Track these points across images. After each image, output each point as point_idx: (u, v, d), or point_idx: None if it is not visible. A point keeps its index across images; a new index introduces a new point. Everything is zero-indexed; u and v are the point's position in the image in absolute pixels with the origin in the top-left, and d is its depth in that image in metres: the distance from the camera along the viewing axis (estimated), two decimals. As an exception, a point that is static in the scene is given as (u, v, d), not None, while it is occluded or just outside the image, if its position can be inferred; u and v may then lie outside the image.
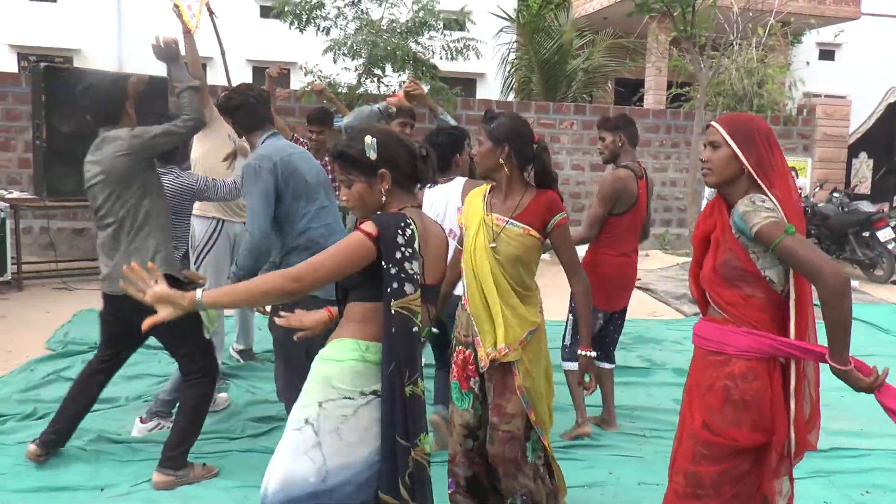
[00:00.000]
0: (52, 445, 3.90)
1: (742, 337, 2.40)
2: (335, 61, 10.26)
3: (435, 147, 4.19)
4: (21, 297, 7.63)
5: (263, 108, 3.73)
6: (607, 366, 4.62)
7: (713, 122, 2.52)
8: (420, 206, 2.48)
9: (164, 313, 2.23)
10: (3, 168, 9.75)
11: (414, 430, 2.27)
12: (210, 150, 4.84)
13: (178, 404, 3.97)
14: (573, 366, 4.41)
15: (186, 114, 3.67)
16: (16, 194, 8.37)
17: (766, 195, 2.36)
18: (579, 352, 3.12)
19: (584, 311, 3.11)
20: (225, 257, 4.93)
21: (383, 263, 2.25)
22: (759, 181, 2.39)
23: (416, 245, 2.29)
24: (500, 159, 3.03)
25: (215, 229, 4.92)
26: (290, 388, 3.65)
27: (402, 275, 2.25)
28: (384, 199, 2.39)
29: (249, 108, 3.68)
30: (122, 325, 3.79)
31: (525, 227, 3.02)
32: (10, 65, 19.01)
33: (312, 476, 2.25)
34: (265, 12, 20.87)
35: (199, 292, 2.23)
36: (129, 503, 3.57)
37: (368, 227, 2.27)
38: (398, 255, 2.25)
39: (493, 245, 3.02)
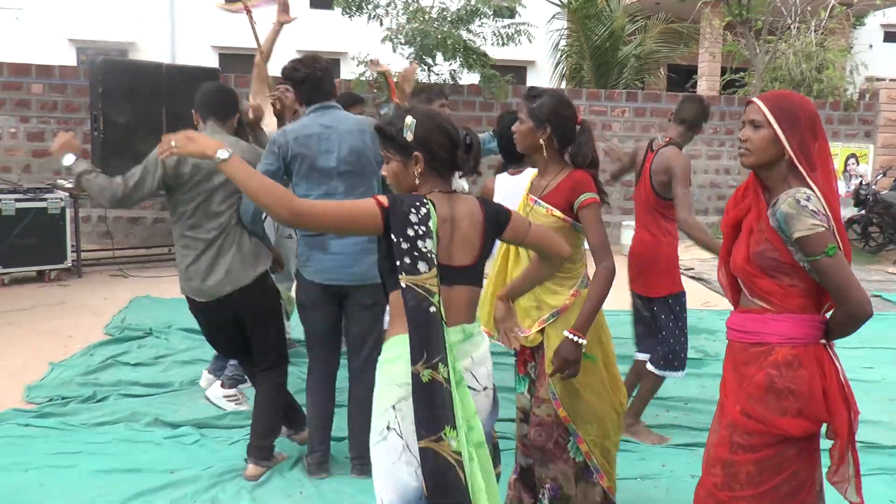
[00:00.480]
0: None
1: (783, 323, 2.30)
2: (394, 50, 10.25)
3: (509, 139, 4.17)
4: (80, 283, 7.82)
5: (328, 83, 3.71)
6: (641, 356, 4.42)
7: (755, 99, 2.34)
8: (452, 191, 2.40)
9: (185, 146, 2.28)
10: (63, 159, 9.97)
11: (432, 420, 2.11)
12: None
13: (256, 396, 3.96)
14: (640, 356, 4.41)
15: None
16: (75, 184, 8.56)
17: (809, 186, 2.23)
18: (564, 332, 2.84)
19: (592, 294, 2.85)
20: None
21: (393, 237, 2.21)
22: (800, 167, 2.25)
23: (430, 224, 2.24)
24: (541, 140, 2.94)
25: None
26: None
27: (416, 252, 2.20)
28: (417, 181, 2.36)
29: (314, 81, 3.67)
30: (236, 324, 3.80)
31: (549, 207, 2.94)
32: (70, 58, 19.47)
33: (413, 480, 2.21)
34: (315, 3, 21.00)
35: (226, 151, 2.24)
36: (196, 485, 3.64)
37: (382, 198, 2.26)
38: (410, 231, 2.21)
39: None
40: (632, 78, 13.86)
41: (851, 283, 2.20)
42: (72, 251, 7.96)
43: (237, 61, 20.42)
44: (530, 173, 4.07)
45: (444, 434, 2.10)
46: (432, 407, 2.12)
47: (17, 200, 7.58)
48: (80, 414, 4.42)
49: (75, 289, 7.53)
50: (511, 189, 4.24)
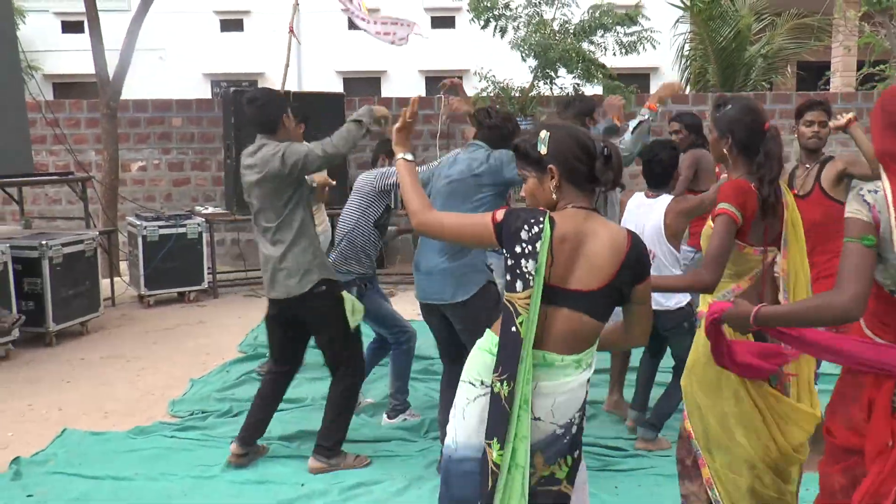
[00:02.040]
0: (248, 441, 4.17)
1: (817, 333, 2.21)
2: (524, 60, 10.25)
3: (654, 163, 4.17)
4: (216, 303, 8.20)
5: (508, 139, 3.80)
6: None
7: None
8: (591, 209, 2.32)
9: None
10: (200, 186, 10.54)
11: (490, 427, 2.24)
12: None
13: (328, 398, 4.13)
14: None
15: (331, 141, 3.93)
16: (210, 209, 9.02)
17: (882, 181, 2.09)
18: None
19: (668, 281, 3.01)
20: None
21: (504, 252, 2.27)
22: (881, 163, 2.14)
23: (538, 245, 2.20)
24: (724, 150, 2.85)
25: None
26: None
27: (517, 270, 2.22)
28: (554, 196, 2.32)
29: (499, 133, 3.88)
30: (294, 326, 4.08)
31: (710, 218, 2.86)
32: (205, 92, 20.59)
33: (451, 442, 2.41)
34: (436, 22, 21.37)
35: (410, 155, 2.61)
36: (326, 498, 3.74)
37: (499, 212, 2.31)
38: (518, 248, 2.23)
39: None
40: (759, 79, 13.32)
41: (852, 275, 2.05)
42: (208, 273, 8.36)
43: (361, 84, 21.04)
44: (666, 200, 4.05)
45: (491, 444, 2.22)
46: (492, 416, 2.25)
47: (160, 227, 8.05)
48: (218, 427, 4.63)
49: (212, 309, 7.91)
50: (641, 211, 4.20)
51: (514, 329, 2.22)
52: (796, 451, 2.72)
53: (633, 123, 4.18)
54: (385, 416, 4.71)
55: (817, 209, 4.06)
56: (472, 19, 10.33)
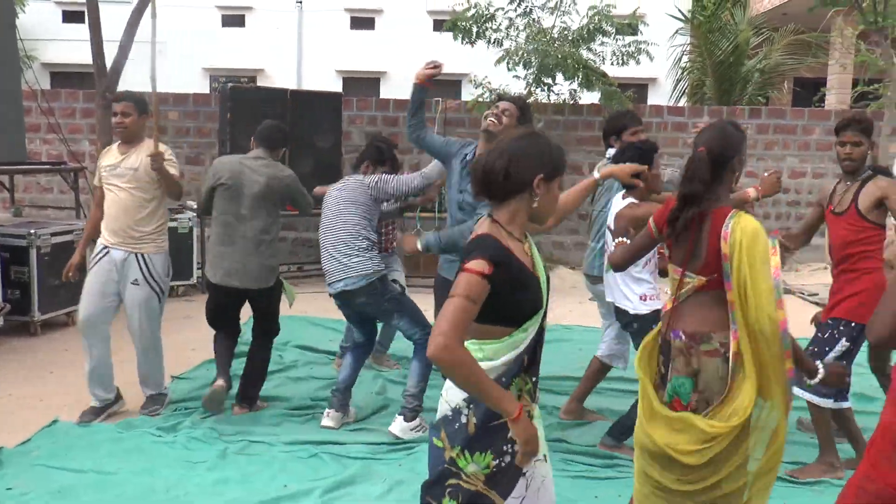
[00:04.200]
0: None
1: None
2: (509, 70, 10.26)
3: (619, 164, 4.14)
4: (205, 299, 8.11)
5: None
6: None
7: None
8: (489, 216, 2.35)
9: None
10: (194, 181, 10.48)
11: None
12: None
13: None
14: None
15: None
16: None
17: None
18: None
19: None
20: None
21: None
22: None
23: None
24: None
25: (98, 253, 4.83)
26: None
27: None
28: None
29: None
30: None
31: None
32: (205, 86, 20.57)
33: None
34: (437, 26, 21.37)
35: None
36: (309, 499, 3.73)
37: None
38: None
39: None
40: (755, 93, 13.37)
41: None
42: (197, 268, 8.27)
43: (359, 84, 21.05)
44: (621, 205, 3.99)
45: None
46: None
47: (151, 220, 8.00)
48: (200, 425, 4.61)
49: (199, 304, 7.79)
50: (611, 213, 4.18)
51: None
52: (679, 454, 2.68)
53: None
54: (400, 417, 4.51)
55: (850, 228, 4.01)
56: (462, 41, 10.33)
